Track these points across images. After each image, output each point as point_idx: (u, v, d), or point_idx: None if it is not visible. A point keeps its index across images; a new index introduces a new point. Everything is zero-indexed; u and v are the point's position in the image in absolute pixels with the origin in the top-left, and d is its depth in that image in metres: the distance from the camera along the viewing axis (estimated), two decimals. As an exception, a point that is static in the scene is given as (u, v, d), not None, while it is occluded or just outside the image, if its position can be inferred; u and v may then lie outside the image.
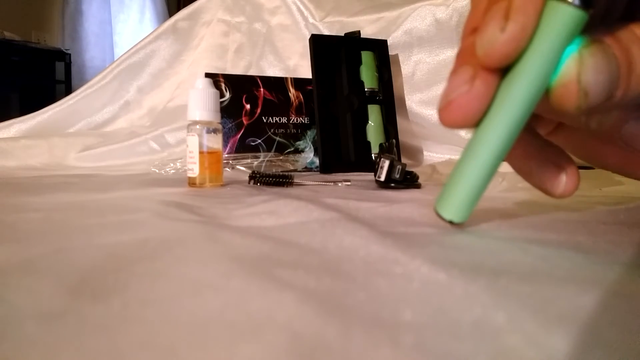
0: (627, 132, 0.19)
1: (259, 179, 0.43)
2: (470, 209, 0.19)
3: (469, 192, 0.18)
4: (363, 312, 0.12)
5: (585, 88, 0.15)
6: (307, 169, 0.71)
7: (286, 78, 0.76)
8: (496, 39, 0.16)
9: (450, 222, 0.20)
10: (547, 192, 0.21)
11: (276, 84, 0.74)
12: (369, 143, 0.72)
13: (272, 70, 0.93)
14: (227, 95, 0.70)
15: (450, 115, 0.17)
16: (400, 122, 0.77)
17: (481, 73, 0.17)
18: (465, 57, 0.18)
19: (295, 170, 0.68)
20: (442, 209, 0.20)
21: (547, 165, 0.21)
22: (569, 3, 0.16)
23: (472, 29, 0.18)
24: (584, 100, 0.16)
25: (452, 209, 0.19)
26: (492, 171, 0.18)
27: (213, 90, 0.42)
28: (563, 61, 0.16)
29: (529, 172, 0.22)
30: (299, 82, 0.76)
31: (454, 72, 0.18)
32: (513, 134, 0.17)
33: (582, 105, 0.16)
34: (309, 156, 0.73)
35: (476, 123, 0.18)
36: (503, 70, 0.17)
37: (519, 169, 0.22)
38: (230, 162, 0.65)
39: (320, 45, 0.73)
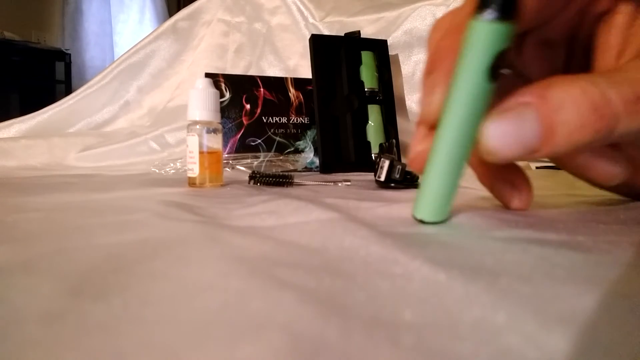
0: (579, 164, 0.21)
1: (259, 179, 0.43)
2: (437, 209, 0.21)
3: (433, 194, 0.21)
4: (363, 312, 0.12)
5: (487, 150, 0.17)
6: (307, 169, 0.71)
7: (286, 78, 0.76)
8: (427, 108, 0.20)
9: (421, 221, 0.22)
10: (504, 205, 0.26)
11: (276, 84, 0.74)
12: (369, 143, 0.72)
13: (272, 70, 0.93)
14: (227, 95, 0.70)
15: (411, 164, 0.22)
16: (400, 122, 0.77)
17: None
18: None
19: (295, 170, 0.68)
20: (414, 208, 0.22)
21: (505, 183, 0.25)
22: (485, 19, 0.16)
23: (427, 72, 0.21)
24: (490, 157, 0.17)
25: (420, 209, 0.22)
26: (449, 178, 0.20)
27: (213, 90, 0.42)
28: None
29: (491, 188, 0.26)
30: (299, 82, 0.76)
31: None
32: (456, 155, 0.19)
33: (492, 159, 0.17)
34: (309, 156, 0.73)
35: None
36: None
37: (483, 183, 0.26)
38: (230, 162, 0.65)
39: (320, 45, 0.73)
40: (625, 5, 0.19)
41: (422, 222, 0.22)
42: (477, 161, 0.25)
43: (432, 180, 0.20)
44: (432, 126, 0.20)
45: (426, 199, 0.21)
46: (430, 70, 0.20)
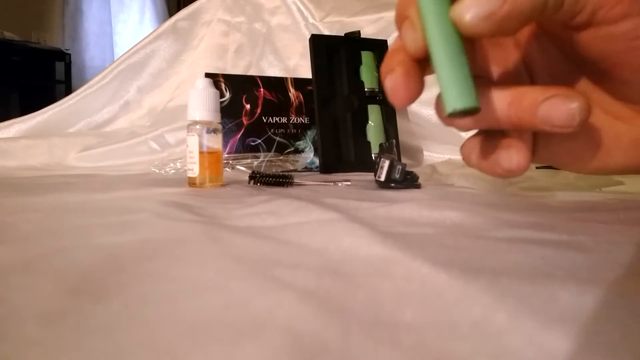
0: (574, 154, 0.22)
1: (259, 179, 0.43)
2: (458, 96, 0.21)
3: (448, 85, 0.21)
4: (363, 312, 0.12)
5: (461, 19, 0.19)
6: (307, 169, 0.71)
7: (286, 78, 0.76)
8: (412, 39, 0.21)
9: (453, 114, 0.22)
10: (497, 172, 0.23)
11: (276, 84, 0.74)
12: (369, 143, 0.72)
13: (272, 70, 0.93)
14: (227, 95, 0.70)
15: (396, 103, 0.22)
16: (400, 122, 0.77)
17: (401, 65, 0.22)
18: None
19: (295, 170, 0.68)
20: (444, 108, 0.22)
21: (496, 149, 0.23)
22: None
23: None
24: (468, 27, 0.19)
25: (446, 104, 0.22)
26: (454, 67, 0.21)
27: (213, 90, 0.42)
28: None
29: (482, 160, 0.23)
30: (299, 82, 0.76)
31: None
32: (446, 47, 0.21)
33: (470, 27, 0.19)
34: (309, 156, 0.73)
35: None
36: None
37: (475, 160, 0.24)
38: (230, 162, 0.65)
39: (320, 45, 0.73)
40: None
41: (454, 114, 0.22)
42: (470, 148, 0.24)
43: (442, 76, 0.22)
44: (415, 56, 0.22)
45: (445, 92, 0.22)
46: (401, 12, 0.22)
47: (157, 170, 0.59)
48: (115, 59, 1.00)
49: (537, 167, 0.64)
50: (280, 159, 0.69)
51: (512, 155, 0.22)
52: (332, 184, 0.46)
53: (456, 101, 0.21)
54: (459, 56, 0.21)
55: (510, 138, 0.23)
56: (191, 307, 0.12)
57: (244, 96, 0.71)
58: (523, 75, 0.25)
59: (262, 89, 0.73)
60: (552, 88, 0.21)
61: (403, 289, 0.13)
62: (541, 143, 0.25)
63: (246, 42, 0.96)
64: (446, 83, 0.21)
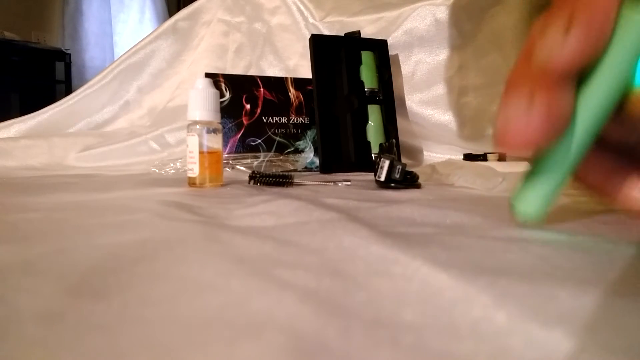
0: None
1: (259, 179, 0.43)
2: (545, 207, 0.20)
3: (548, 191, 0.19)
4: (363, 312, 0.12)
5: None
6: (307, 169, 0.71)
7: (286, 78, 0.76)
8: (559, 42, 0.16)
9: (517, 214, 0.20)
10: (624, 202, 0.20)
11: (276, 84, 0.74)
12: (369, 143, 0.72)
13: (272, 70, 0.93)
14: (227, 95, 0.70)
15: (512, 142, 0.16)
16: (400, 122, 0.77)
17: (540, 91, 0.16)
18: (519, 79, 0.17)
19: (295, 170, 0.68)
20: (525, 202, 0.20)
21: (626, 175, 0.20)
22: None
23: (526, 56, 0.17)
24: None
25: (532, 207, 0.20)
26: (567, 174, 0.19)
27: (213, 90, 0.42)
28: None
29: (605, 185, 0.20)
30: (299, 82, 0.76)
31: (508, 95, 0.17)
32: (587, 144, 0.18)
33: None
34: (309, 156, 0.73)
35: (542, 144, 0.17)
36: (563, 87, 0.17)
37: (593, 184, 0.21)
38: (230, 162, 0.65)
39: (320, 45, 0.73)
40: None
41: (524, 221, 0.20)
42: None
43: (555, 171, 0.19)
44: (547, 75, 0.16)
45: (542, 193, 0.19)
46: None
47: (157, 170, 0.59)
48: (115, 59, 1.00)
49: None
50: (280, 159, 0.69)
51: None
52: (332, 184, 0.46)
53: (533, 209, 0.19)
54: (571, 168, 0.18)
55: None
56: (191, 307, 0.12)
57: (244, 96, 0.71)
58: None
59: (262, 89, 0.73)
60: None
61: (403, 289, 0.13)
62: None
63: (246, 42, 0.96)
64: (539, 190, 0.19)
